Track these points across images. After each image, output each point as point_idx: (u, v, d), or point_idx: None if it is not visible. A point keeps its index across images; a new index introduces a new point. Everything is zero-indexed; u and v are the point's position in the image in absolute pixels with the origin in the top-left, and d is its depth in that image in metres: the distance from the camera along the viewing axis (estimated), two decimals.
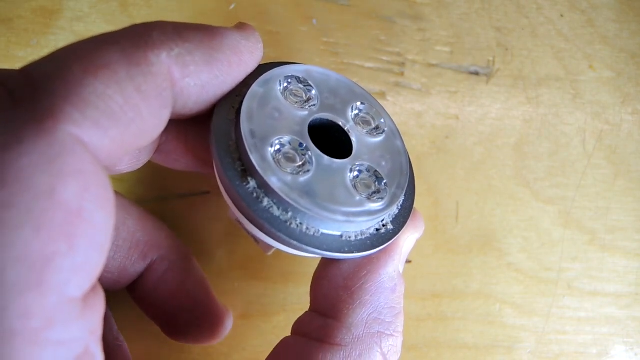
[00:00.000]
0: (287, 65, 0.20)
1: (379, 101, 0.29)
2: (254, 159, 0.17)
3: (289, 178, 0.17)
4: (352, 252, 0.18)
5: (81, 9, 0.26)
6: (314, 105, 0.20)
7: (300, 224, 0.17)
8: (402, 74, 0.30)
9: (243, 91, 0.19)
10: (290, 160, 0.18)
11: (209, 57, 0.17)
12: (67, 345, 0.13)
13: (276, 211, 0.17)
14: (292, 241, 0.17)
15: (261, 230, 0.17)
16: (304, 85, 0.20)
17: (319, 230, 0.18)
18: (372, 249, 0.19)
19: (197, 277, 0.23)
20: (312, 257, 0.19)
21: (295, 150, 0.18)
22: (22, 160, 0.12)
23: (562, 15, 0.32)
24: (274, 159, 0.17)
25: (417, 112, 0.30)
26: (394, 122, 0.21)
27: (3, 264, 0.12)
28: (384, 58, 0.30)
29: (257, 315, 0.26)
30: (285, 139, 0.18)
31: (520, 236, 0.30)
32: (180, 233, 0.25)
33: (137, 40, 0.15)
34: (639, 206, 0.32)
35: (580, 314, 0.30)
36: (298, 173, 0.18)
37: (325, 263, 0.20)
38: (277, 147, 0.18)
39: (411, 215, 0.20)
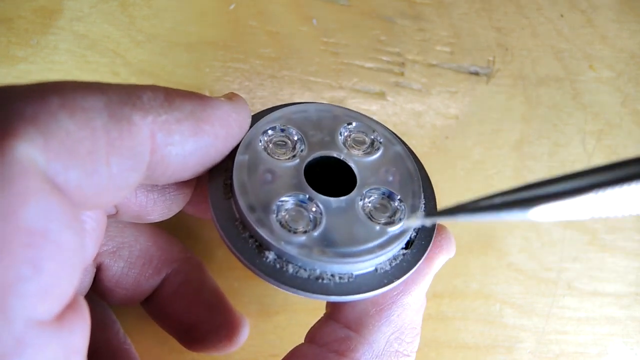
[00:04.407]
0: (262, 118, 0.20)
1: (379, 101, 0.29)
2: (263, 233, 0.17)
3: (303, 238, 0.17)
4: (392, 282, 0.18)
5: (81, 9, 0.26)
6: (302, 149, 0.19)
7: (332, 276, 0.17)
8: (402, 74, 0.30)
9: (230, 165, 0.18)
10: (298, 219, 0.18)
11: (197, 128, 0.16)
12: None
13: (304, 273, 0.17)
14: (329, 297, 0.17)
15: (297, 294, 0.17)
16: (286, 132, 0.20)
17: (352, 275, 0.17)
18: (409, 270, 0.18)
19: (211, 287, 0.23)
20: (361, 299, 0.18)
21: (300, 206, 0.18)
22: None
23: (562, 15, 0.32)
24: (281, 224, 0.17)
25: (417, 112, 0.30)
26: (387, 128, 0.21)
27: None
28: (384, 58, 0.30)
29: (257, 315, 0.26)
30: (285, 199, 0.18)
31: (520, 236, 0.30)
32: (181, 233, 0.25)
33: (125, 97, 0.15)
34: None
35: (580, 314, 0.30)
36: (311, 229, 0.17)
37: None
38: (280, 211, 0.18)
39: (443, 236, 0.20)
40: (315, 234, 0.17)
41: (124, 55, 0.26)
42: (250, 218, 0.17)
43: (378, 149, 0.20)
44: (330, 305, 0.19)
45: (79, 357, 0.13)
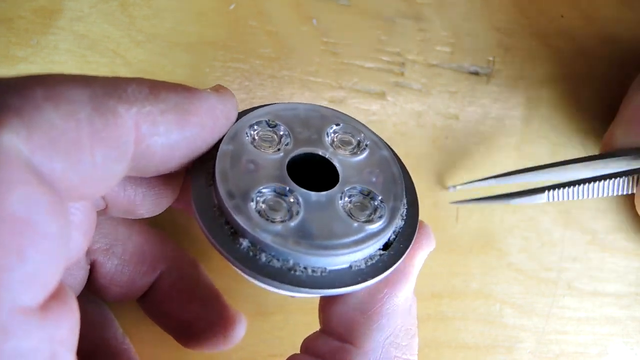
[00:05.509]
0: (251, 112, 0.20)
1: (379, 101, 0.29)
2: (239, 219, 0.17)
3: (279, 227, 0.17)
4: (366, 280, 0.17)
5: (81, 9, 0.26)
6: (288, 143, 0.19)
7: (305, 268, 0.17)
8: (402, 74, 0.30)
9: (214, 154, 0.18)
10: (276, 208, 0.17)
11: (182, 119, 0.16)
12: (26, 356, 0.12)
13: (277, 263, 0.17)
14: (301, 288, 0.17)
15: (268, 285, 0.17)
16: (273, 127, 0.20)
17: (325, 269, 0.17)
18: (384, 271, 0.18)
19: (206, 284, 0.23)
20: (333, 295, 0.18)
21: (279, 196, 0.18)
22: None
23: (562, 16, 0.32)
24: (259, 213, 0.17)
25: (417, 112, 0.30)
26: (375, 133, 0.21)
27: None
28: (384, 58, 0.30)
29: (256, 315, 0.26)
30: (265, 189, 0.18)
31: (520, 236, 0.30)
32: (180, 233, 0.25)
33: (110, 90, 0.15)
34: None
35: (580, 314, 0.30)
36: (288, 219, 0.17)
37: None
38: (259, 200, 0.17)
39: (421, 231, 0.20)
40: (292, 224, 0.17)
41: (124, 55, 0.26)
42: (228, 204, 0.17)
43: (364, 150, 0.20)
44: (321, 319, 0.19)
45: (65, 350, 0.13)
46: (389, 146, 0.21)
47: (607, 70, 0.32)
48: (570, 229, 0.31)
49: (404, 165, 0.21)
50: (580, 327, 0.30)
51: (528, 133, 0.31)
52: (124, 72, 0.26)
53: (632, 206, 0.32)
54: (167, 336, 0.23)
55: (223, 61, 0.28)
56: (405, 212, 0.19)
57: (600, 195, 0.26)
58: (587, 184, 0.26)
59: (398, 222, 0.19)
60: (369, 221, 0.18)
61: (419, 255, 0.20)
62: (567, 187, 0.26)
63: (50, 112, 0.13)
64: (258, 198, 0.17)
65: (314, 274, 0.17)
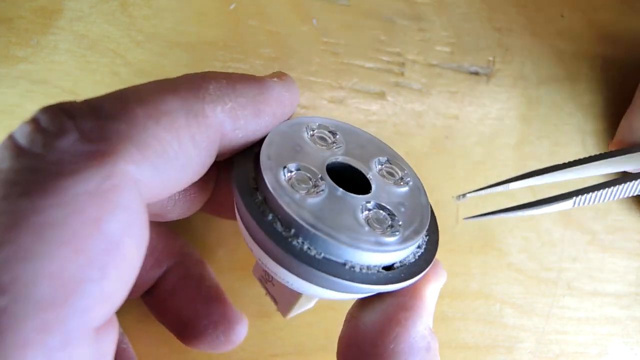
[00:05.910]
0: (319, 117, 0.21)
1: (379, 101, 0.29)
2: (265, 176, 0.17)
3: (297, 196, 0.17)
4: (354, 282, 0.17)
5: (81, 9, 0.26)
6: (339, 147, 0.20)
7: (302, 242, 0.17)
8: (402, 74, 0.30)
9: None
10: (303, 182, 0.18)
11: (257, 109, 0.18)
12: None
13: (279, 227, 0.17)
14: (288, 256, 0.17)
15: (261, 246, 0.17)
16: (332, 134, 0.21)
17: (320, 253, 0.17)
18: (375, 284, 0.17)
19: (211, 284, 0.24)
20: (316, 291, 0.18)
21: (310, 177, 0.18)
22: (78, 188, 0.13)
23: (562, 16, 0.32)
24: (286, 180, 0.18)
25: (417, 112, 0.30)
26: (420, 181, 0.21)
27: (36, 277, 0.12)
28: (384, 58, 0.30)
29: (257, 316, 0.26)
30: (299, 167, 0.18)
31: (520, 236, 0.30)
32: (181, 233, 0.25)
33: (195, 91, 0.16)
34: (639, 206, 0.32)
35: (580, 314, 0.30)
36: (308, 193, 0.18)
37: (348, 326, 0.19)
38: (291, 171, 0.18)
39: (431, 266, 0.19)
40: (309, 200, 0.18)
41: (124, 55, 0.26)
42: (264, 163, 0.18)
43: (404, 185, 0.20)
44: None
45: None
46: (427, 198, 0.21)
47: (607, 70, 0.33)
48: (570, 229, 0.31)
49: (435, 220, 0.21)
50: (580, 327, 0.30)
51: (528, 133, 0.31)
52: (124, 72, 0.26)
53: (632, 206, 0.32)
54: (167, 336, 0.23)
55: (223, 61, 0.28)
56: (419, 254, 0.19)
57: (626, 195, 0.24)
58: (613, 187, 0.24)
59: (409, 256, 0.19)
60: (382, 233, 0.18)
61: (428, 289, 0.19)
62: (593, 191, 0.24)
63: (155, 129, 0.15)
64: (290, 171, 0.18)
65: (309, 251, 0.17)
